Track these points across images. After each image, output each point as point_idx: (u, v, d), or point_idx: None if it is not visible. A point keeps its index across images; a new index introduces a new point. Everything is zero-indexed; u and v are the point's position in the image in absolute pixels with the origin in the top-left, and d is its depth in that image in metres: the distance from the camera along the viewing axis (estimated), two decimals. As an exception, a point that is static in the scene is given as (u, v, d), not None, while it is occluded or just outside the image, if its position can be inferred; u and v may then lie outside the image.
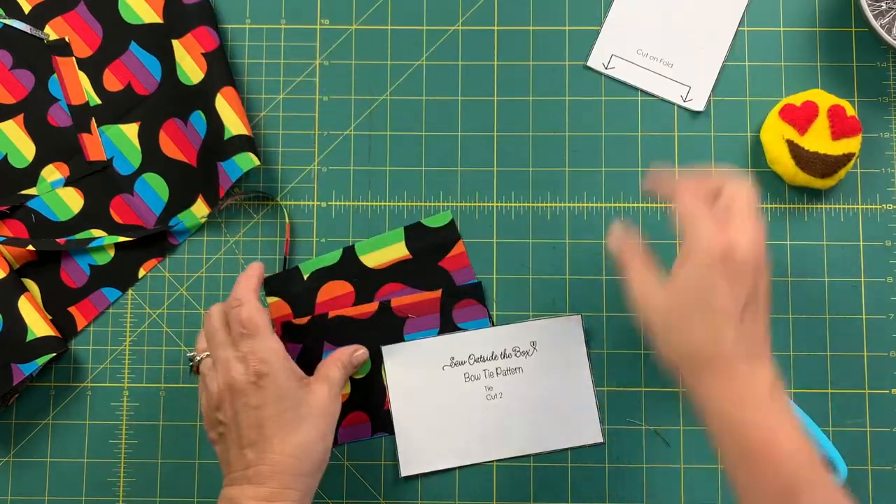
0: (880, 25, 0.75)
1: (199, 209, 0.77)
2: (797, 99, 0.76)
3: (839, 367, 0.75)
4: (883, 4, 0.76)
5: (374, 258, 0.77)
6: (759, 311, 0.58)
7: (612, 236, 0.66)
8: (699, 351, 0.58)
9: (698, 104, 0.77)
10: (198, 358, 0.68)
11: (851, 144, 0.74)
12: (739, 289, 0.57)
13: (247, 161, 0.75)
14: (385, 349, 0.76)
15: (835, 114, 0.74)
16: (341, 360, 0.70)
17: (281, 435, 0.64)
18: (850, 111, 0.75)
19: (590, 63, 0.77)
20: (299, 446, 0.64)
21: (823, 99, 0.75)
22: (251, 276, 0.69)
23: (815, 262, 0.76)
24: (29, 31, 0.79)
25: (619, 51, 0.77)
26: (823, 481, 0.56)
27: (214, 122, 0.76)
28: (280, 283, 0.77)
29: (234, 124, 0.76)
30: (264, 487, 0.62)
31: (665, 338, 0.60)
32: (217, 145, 0.76)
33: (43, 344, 0.74)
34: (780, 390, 0.57)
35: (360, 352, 0.73)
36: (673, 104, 0.78)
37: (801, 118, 0.74)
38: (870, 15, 0.74)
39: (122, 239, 0.77)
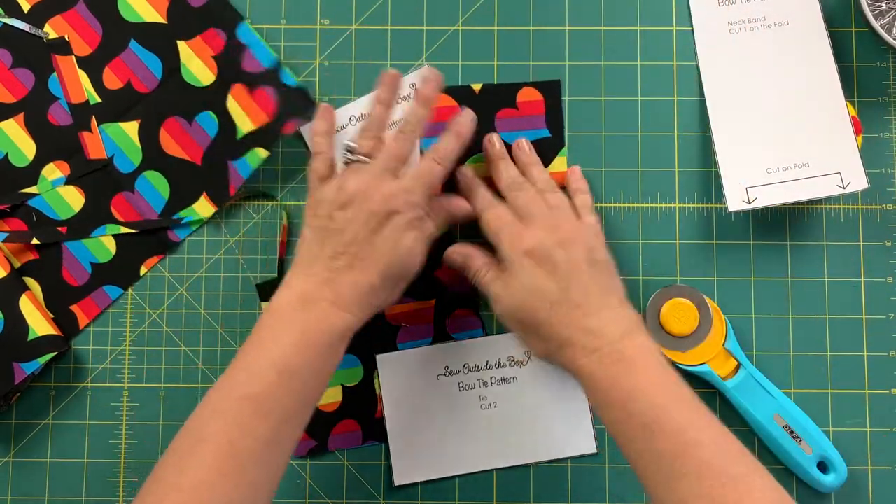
0: (880, 25, 0.75)
1: (203, 207, 0.78)
2: (798, 99, 0.76)
3: (839, 367, 0.75)
4: (883, 4, 0.76)
5: (369, 265, 0.77)
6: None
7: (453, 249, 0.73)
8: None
9: (859, 181, 0.73)
10: (357, 153, 0.69)
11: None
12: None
13: (255, 157, 0.77)
14: (379, 358, 0.76)
15: (836, 114, 0.75)
16: (443, 217, 0.71)
17: (380, 270, 0.65)
18: (851, 111, 0.75)
19: (731, 207, 0.73)
20: (387, 287, 0.66)
21: (824, 99, 0.76)
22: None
23: (816, 262, 0.76)
24: (28, 30, 0.79)
25: (750, 181, 0.74)
26: (679, 405, 0.61)
27: (226, 123, 0.77)
28: (274, 289, 0.77)
29: (244, 122, 0.77)
30: (342, 300, 0.63)
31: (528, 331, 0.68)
32: (229, 145, 0.77)
33: (44, 342, 0.74)
34: (631, 331, 0.64)
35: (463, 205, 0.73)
36: (835, 198, 0.77)
37: (801, 119, 0.75)
38: (870, 15, 0.74)
39: (125, 230, 0.77)
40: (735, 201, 0.74)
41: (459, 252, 0.72)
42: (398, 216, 0.65)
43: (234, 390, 0.60)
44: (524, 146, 0.75)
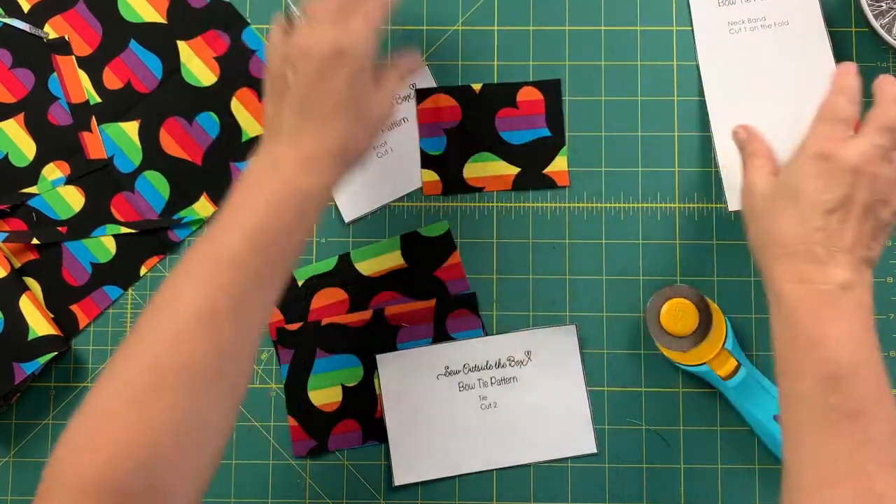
0: (880, 25, 0.75)
1: (203, 207, 0.78)
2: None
3: (839, 368, 0.75)
4: (883, 4, 0.76)
5: (369, 266, 0.77)
6: (850, 217, 0.58)
7: (739, 126, 0.68)
8: (780, 235, 0.60)
9: None
10: (296, 12, 0.65)
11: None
12: (832, 188, 0.58)
13: None
14: (379, 357, 0.76)
15: (835, 114, 0.75)
16: (401, 72, 0.68)
17: (340, 120, 0.61)
18: (851, 111, 0.75)
19: (731, 208, 0.76)
20: (351, 137, 0.62)
21: (824, 99, 0.76)
22: None
23: (815, 263, 0.76)
24: (28, 30, 0.79)
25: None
26: (869, 369, 0.56)
27: (230, 125, 0.78)
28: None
29: (251, 125, 0.78)
30: (308, 157, 0.61)
31: (756, 224, 0.62)
32: (232, 146, 0.78)
33: (44, 342, 0.74)
34: (856, 296, 0.58)
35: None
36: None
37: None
38: (870, 15, 0.74)
39: (125, 230, 0.77)
40: (735, 201, 0.73)
41: (744, 129, 0.68)
42: (348, 60, 0.61)
43: (207, 252, 0.58)
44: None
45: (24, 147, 0.78)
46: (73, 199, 0.78)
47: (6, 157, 0.78)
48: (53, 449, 0.52)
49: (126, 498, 0.50)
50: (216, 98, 0.78)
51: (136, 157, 0.78)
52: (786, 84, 0.76)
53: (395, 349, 0.76)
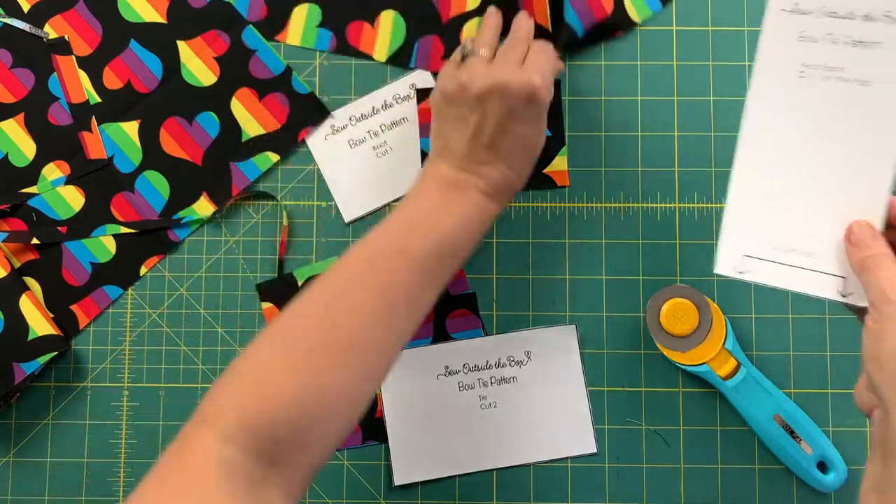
0: (881, 26, 0.74)
1: (203, 207, 0.78)
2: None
3: (839, 367, 0.75)
4: (884, 5, 0.76)
5: (369, 265, 0.77)
6: None
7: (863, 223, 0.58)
8: None
9: (861, 296, 0.58)
10: (470, 47, 0.69)
11: None
12: None
13: (265, 161, 0.78)
14: None
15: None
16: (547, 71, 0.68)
17: (526, 162, 0.68)
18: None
19: (718, 270, 0.62)
20: (526, 175, 0.68)
21: (824, 100, 0.75)
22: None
23: (815, 263, 0.76)
24: (28, 30, 0.79)
25: (749, 250, 0.62)
26: None
27: (229, 124, 0.78)
28: (274, 289, 0.77)
29: (251, 125, 0.78)
30: (495, 188, 0.66)
31: None
32: (232, 146, 0.78)
33: (44, 342, 0.74)
34: None
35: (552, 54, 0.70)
36: (830, 300, 0.62)
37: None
38: (871, 16, 0.73)
39: (125, 230, 0.77)
40: (725, 265, 0.62)
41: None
42: (537, 103, 0.66)
43: (392, 248, 0.63)
44: None
45: (24, 147, 0.78)
46: (73, 199, 0.78)
47: (6, 157, 0.78)
48: (214, 386, 0.57)
49: (276, 443, 0.55)
50: (216, 98, 0.78)
51: (136, 157, 0.78)
52: (833, 157, 0.61)
53: (395, 349, 0.76)
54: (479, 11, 0.78)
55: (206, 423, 0.54)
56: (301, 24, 0.79)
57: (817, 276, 0.60)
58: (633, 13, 0.79)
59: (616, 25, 0.78)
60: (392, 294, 0.61)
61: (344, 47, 0.79)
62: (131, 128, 0.78)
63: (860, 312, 0.56)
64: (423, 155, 0.78)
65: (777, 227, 0.61)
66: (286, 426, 0.55)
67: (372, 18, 0.79)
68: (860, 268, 0.55)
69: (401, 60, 0.79)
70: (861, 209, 0.59)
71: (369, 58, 0.79)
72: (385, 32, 0.79)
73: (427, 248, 0.63)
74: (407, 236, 0.64)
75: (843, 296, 0.58)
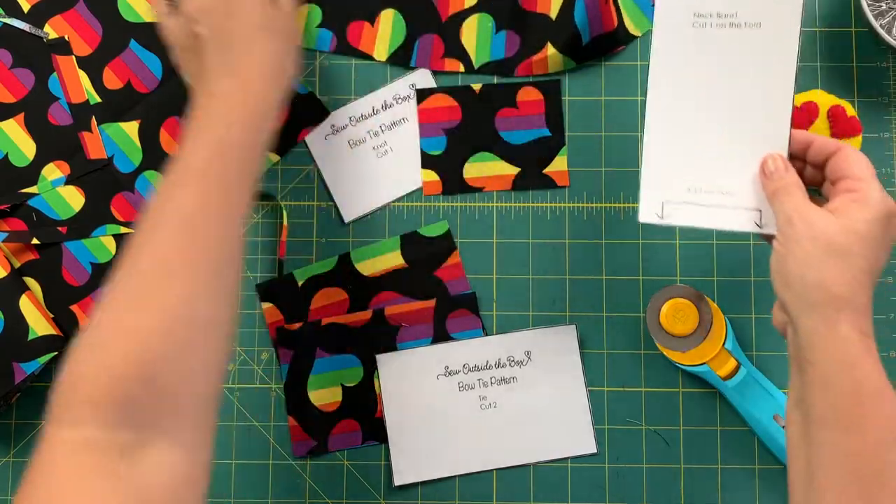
0: (880, 25, 0.75)
1: (200, 208, 0.78)
2: (797, 99, 0.76)
3: (839, 368, 0.75)
4: (883, 4, 0.76)
5: (369, 266, 0.77)
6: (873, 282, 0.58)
7: (775, 155, 0.62)
8: (832, 289, 0.55)
9: (772, 227, 0.62)
10: None
11: (852, 145, 0.74)
12: (887, 250, 0.58)
13: (265, 161, 0.77)
14: (379, 357, 0.76)
15: (835, 114, 0.75)
16: None
17: (265, 41, 0.66)
18: (851, 111, 0.75)
19: (642, 219, 0.65)
20: (278, 52, 0.67)
21: (824, 99, 0.75)
22: None
23: (815, 263, 0.76)
24: (28, 30, 0.79)
25: (668, 196, 0.65)
26: None
27: None
28: (273, 289, 0.77)
29: None
30: (248, 79, 0.64)
31: (798, 268, 0.57)
32: None
33: (44, 343, 0.74)
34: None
35: None
36: (748, 235, 0.66)
37: (801, 119, 0.75)
38: (870, 15, 0.74)
39: (125, 230, 0.77)
40: (648, 212, 0.65)
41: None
42: None
43: (180, 167, 0.61)
44: None
45: (24, 147, 0.78)
46: (73, 199, 0.78)
47: (6, 157, 0.78)
48: (67, 365, 0.54)
49: (132, 402, 0.51)
50: (216, 98, 0.78)
51: (136, 157, 0.78)
52: (736, 99, 0.64)
53: (395, 349, 0.76)
54: (479, 8, 0.78)
55: (56, 421, 0.52)
56: (301, 25, 0.79)
57: (734, 212, 0.64)
58: (633, 28, 0.79)
59: (618, 40, 0.78)
60: (200, 204, 0.59)
61: (344, 47, 0.79)
62: (131, 128, 0.78)
63: (772, 240, 0.60)
64: (423, 155, 0.78)
65: (692, 171, 0.65)
66: (132, 382, 0.52)
67: (372, 18, 0.79)
68: (773, 196, 0.60)
69: (401, 59, 0.78)
70: (767, 144, 0.63)
71: (369, 58, 0.79)
72: (385, 31, 0.78)
73: (207, 157, 0.61)
74: (187, 154, 0.61)
75: (759, 227, 0.63)
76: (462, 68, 0.78)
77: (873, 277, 0.57)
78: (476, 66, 0.78)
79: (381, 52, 0.79)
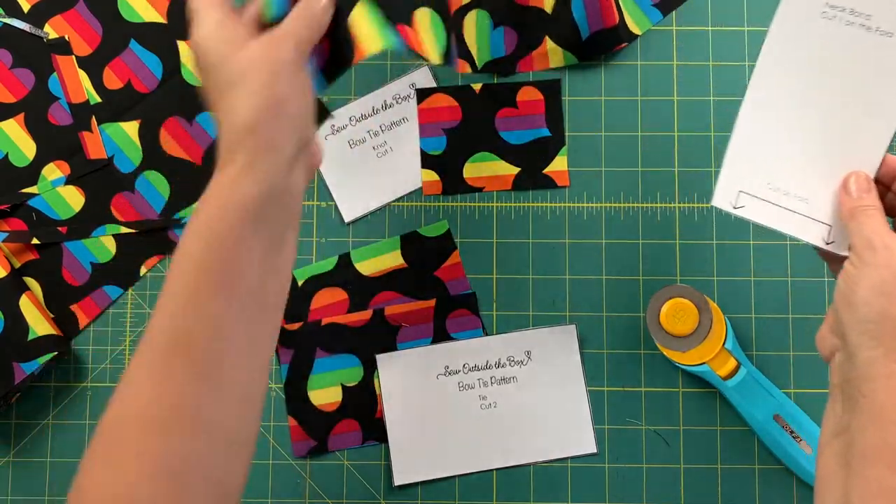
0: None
1: (200, 208, 0.78)
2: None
3: (839, 368, 0.75)
4: (884, 5, 0.76)
5: (369, 266, 0.77)
6: None
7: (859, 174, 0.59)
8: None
9: (842, 245, 0.60)
10: None
11: None
12: None
13: None
14: (379, 357, 0.76)
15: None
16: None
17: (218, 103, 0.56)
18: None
19: (715, 202, 0.63)
20: (232, 110, 0.55)
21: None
22: None
23: (816, 262, 0.76)
24: (28, 30, 0.79)
25: (747, 187, 0.63)
26: None
27: None
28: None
29: None
30: (227, 144, 0.55)
31: (870, 294, 0.53)
32: None
33: (44, 342, 0.74)
34: None
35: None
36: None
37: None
38: (871, 15, 0.73)
39: (125, 230, 0.77)
40: (722, 198, 0.63)
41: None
42: (198, 50, 0.56)
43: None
44: None
45: (24, 147, 0.78)
46: (73, 199, 0.78)
47: (6, 157, 0.78)
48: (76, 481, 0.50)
49: None
50: (216, 98, 0.78)
51: (136, 157, 0.78)
52: (844, 106, 0.61)
53: (395, 349, 0.76)
54: (474, 4, 0.77)
55: None
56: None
57: (805, 221, 0.61)
58: (634, 27, 0.78)
59: (620, 37, 0.78)
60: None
61: (408, 51, 0.70)
62: (131, 128, 0.78)
63: (836, 262, 0.58)
64: (423, 155, 0.78)
65: (775, 168, 0.62)
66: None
67: (409, 19, 0.71)
68: (850, 215, 0.57)
69: (448, 59, 0.70)
70: (857, 161, 0.60)
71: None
72: (426, 33, 0.70)
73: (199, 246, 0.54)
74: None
75: (827, 243, 0.60)
76: (469, 69, 0.78)
77: None
78: (479, 66, 0.78)
79: (433, 54, 0.66)
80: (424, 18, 0.68)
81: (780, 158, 0.62)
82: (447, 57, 0.67)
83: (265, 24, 0.58)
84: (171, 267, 0.54)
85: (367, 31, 0.63)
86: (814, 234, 0.61)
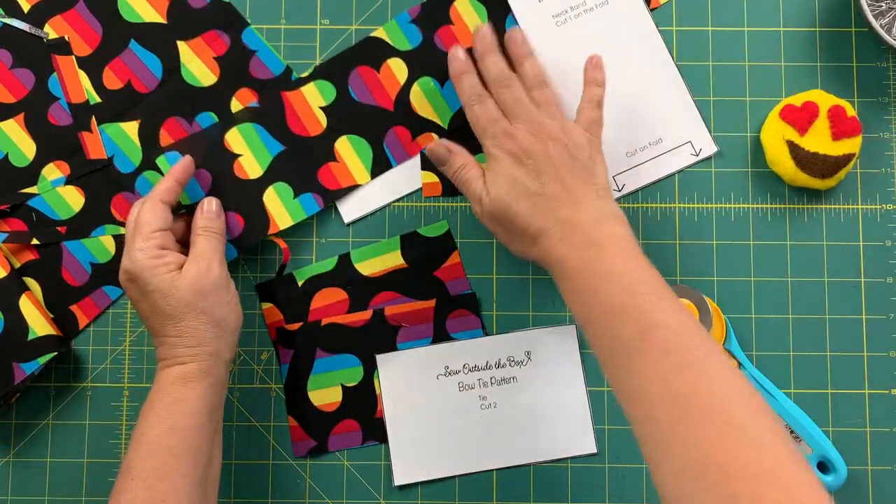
0: (880, 25, 0.75)
1: (200, 208, 0.78)
2: (797, 99, 0.76)
3: (839, 367, 0.75)
4: (883, 4, 0.76)
5: (369, 266, 0.77)
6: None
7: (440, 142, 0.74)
8: (530, 224, 0.67)
9: (709, 147, 0.76)
10: None
11: (851, 145, 0.74)
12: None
13: None
14: (379, 358, 0.76)
15: (835, 114, 0.75)
16: (201, 227, 0.71)
17: (163, 324, 0.67)
18: (850, 111, 0.75)
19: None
20: (180, 330, 0.67)
21: (824, 99, 0.75)
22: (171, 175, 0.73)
23: (816, 263, 0.76)
24: (28, 30, 0.79)
25: (614, 169, 0.76)
26: (675, 315, 0.60)
27: (229, 124, 0.77)
28: (273, 289, 0.77)
29: None
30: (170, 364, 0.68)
31: (514, 221, 0.68)
32: None
33: (44, 343, 0.74)
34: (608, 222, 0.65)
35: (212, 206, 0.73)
36: (692, 166, 0.77)
37: (801, 119, 0.75)
38: (870, 15, 0.74)
39: (124, 231, 0.77)
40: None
41: (443, 146, 0.73)
42: (138, 281, 0.69)
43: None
44: (517, 37, 0.73)
45: (24, 147, 0.78)
46: (73, 199, 0.78)
47: (6, 157, 0.78)
48: None
49: None
50: (216, 98, 0.78)
51: (136, 157, 0.78)
52: (621, 64, 0.75)
53: (395, 349, 0.76)
54: (416, 73, 0.77)
55: None
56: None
57: (670, 154, 0.74)
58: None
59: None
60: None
61: (330, 198, 0.78)
62: (131, 128, 0.78)
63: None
64: (423, 155, 0.78)
65: (620, 139, 0.75)
66: None
67: (332, 156, 0.77)
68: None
69: (383, 168, 0.77)
70: (665, 85, 0.76)
71: (352, 189, 0.79)
72: (352, 160, 0.77)
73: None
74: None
75: (696, 154, 0.72)
76: (437, 136, 0.78)
77: None
78: (446, 126, 0.78)
79: (363, 178, 0.78)
80: (345, 147, 0.77)
81: (618, 128, 0.74)
82: (379, 170, 0.78)
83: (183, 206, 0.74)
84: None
85: (278, 208, 0.76)
86: (684, 157, 0.74)
